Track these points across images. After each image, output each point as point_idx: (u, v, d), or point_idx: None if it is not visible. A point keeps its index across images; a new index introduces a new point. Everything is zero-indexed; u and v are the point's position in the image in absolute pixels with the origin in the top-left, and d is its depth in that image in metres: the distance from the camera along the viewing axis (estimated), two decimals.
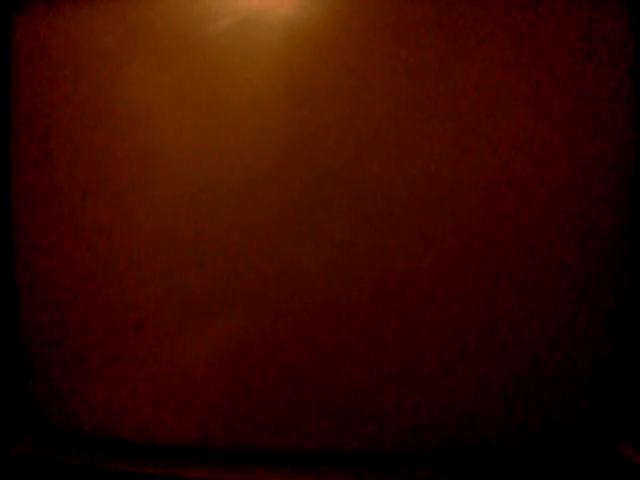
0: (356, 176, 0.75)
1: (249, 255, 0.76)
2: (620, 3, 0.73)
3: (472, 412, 0.77)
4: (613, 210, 0.75)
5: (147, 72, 0.76)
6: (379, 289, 0.76)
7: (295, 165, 0.75)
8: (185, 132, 0.76)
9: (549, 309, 0.76)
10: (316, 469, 0.78)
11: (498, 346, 0.76)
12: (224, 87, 0.75)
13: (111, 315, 0.78)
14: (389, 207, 0.75)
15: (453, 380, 0.76)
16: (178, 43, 0.75)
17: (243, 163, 0.75)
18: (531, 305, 0.76)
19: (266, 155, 0.75)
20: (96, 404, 0.80)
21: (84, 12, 0.76)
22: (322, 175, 0.75)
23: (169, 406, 0.79)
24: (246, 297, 0.77)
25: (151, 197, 0.77)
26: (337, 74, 0.74)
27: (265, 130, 0.75)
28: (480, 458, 0.78)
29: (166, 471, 0.78)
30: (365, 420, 0.77)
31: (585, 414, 0.78)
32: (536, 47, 0.73)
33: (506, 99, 0.74)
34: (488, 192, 0.75)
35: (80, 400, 0.80)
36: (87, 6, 0.76)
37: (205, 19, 0.74)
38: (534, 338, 0.76)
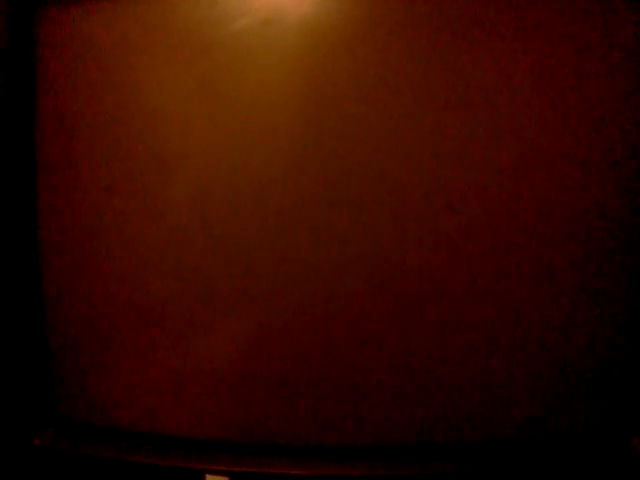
0: (372, 175, 0.75)
1: (264, 252, 0.77)
2: None
3: (483, 408, 0.77)
4: (628, 206, 0.76)
5: (166, 71, 0.76)
6: (392, 286, 0.76)
7: (312, 164, 0.75)
8: (203, 131, 0.76)
9: (562, 304, 0.76)
10: (329, 462, 0.79)
11: (510, 342, 0.76)
12: (242, 86, 0.75)
13: (132, 310, 0.79)
14: (404, 206, 0.75)
15: (465, 376, 0.77)
16: (197, 42, 0.75)
17: (260, 162, 0.76)
18: (544, 300, 0.76)
19: (283, 154, 0.76)
20: (117, 397, 0.81)
21: (105, 10, 0.76)
22: (338, 174, 0.75)
23: (190, 399, 0.80)
24: (261, 293, 0.77)
25: (170, 195, 0.78)
26: (355, 73, 0.74)
27: (282, 129, 0.75)
28: (489, 454, 0.79)
29: (186, 464, 0.80)
30: (378, 415, 0.78)
31: (598, 409, 0.78)
32: (548, 42, 0.73)
33: (523, 96, 0.74)
34: (501, 190, 0.75)
35: (102, 393, 0.82)
36: (109, 5, 0.76)
37: (224, 19, 0.74)
38: (546, 334, 0.76)
